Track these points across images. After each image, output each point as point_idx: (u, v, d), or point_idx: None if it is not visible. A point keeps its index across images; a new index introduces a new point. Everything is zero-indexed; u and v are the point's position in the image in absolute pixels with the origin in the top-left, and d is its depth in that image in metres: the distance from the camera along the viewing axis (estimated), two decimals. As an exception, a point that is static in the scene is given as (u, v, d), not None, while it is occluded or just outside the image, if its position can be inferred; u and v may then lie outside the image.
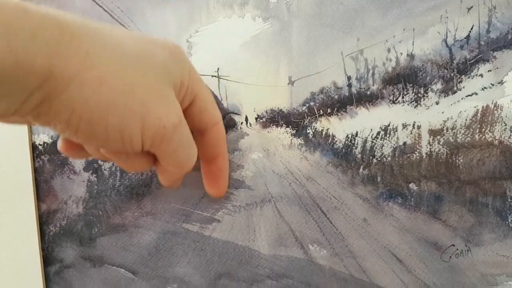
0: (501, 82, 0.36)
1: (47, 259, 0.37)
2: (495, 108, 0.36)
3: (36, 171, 0.36)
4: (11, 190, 0.36)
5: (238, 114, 0.36)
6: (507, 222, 0.36)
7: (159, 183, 0.37)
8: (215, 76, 0.36)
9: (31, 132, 0.36)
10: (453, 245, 0.37)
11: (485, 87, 0.36)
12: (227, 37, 0.35)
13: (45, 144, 0.36)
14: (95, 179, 0.37)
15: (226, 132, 0.37)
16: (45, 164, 0.36)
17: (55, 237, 0.37)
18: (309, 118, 0.36)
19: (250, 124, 0.36)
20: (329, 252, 0.37)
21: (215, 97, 0.36)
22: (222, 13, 0.35)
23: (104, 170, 0.37)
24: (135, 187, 0.37)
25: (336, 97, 0.36)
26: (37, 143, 0.36)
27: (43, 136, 0.36)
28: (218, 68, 0.36)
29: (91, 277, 0.37)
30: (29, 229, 0.36)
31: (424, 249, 0.37)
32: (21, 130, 0.36)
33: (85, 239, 0.37)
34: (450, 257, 0.37)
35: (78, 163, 0.36)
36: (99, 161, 0.37)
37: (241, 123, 0.36)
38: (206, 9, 0.35)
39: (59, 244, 0.37)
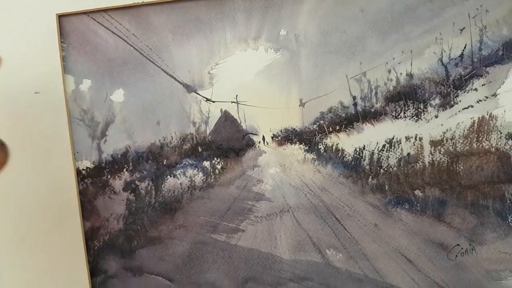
0: (494, 95, 0.39)
1: (93, 271, 0.42)
2: (490, 118, 0.39)
3: (81, 193, 0.41)
4: (59, 211, 0.41)
5: (256, 134, 0.40)
6: (507, 222, 0.40)
7: (189, 198, 0.41)
8: (234, 102, 0.40)
9: (75, 159, 0.41)
10: (458, 244, 0.40)
11: (480, 100, 0.39)
12: (243, 67, 0.39)
13: (88, 169, 0.41)
14: (133, 197, 0.41)
15: (246, 151, 0.41)
16: (88, 187, 0.41)
17: (99, 251, 0.41)
18: (320, 135, 0.40)
19: (267, 142, 0.40)
20: (344, 256, 0.40)
21: (235, 120, 0.40)
22: (238, 47, 0.40)
23: (141, 189, 0.41)
24: (168, 203, 0.41)
25: (343, 115, 0.39)
26: (80, 168, 0.41)
27: (86, 162, 0.41)
28: (237, 95, 0.40)
29: (132, 285, 0.42)
30: (76, 244, 0.41)
31: (431, 249, 0.40)
32: (66, 157, 0.41)
33: (125, 252, 0.41)
34: (456, 256, 0.40)
35: (118, 184, 0.41)
36: (137, 182, 0.41)
37: (259, 142, 0.41)
38: (224, 44, 0.40)
39: (103, 257, 0.42)
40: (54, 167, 0.41)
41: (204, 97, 0.40)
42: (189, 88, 0.40)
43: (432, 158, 0.40)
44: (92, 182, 0.41)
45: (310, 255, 0.41)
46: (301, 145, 0.40)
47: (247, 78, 0.40)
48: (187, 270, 0.41)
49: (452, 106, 0.40)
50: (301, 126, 0.40)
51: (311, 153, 0.40)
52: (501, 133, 0.39)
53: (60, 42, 0.40)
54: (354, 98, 0.39)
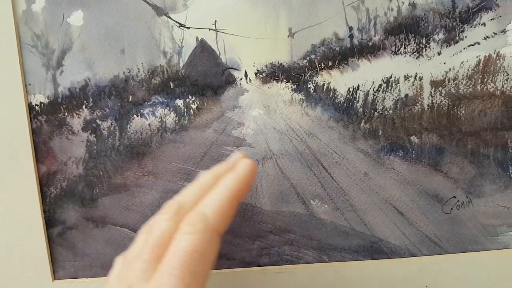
0: (504, 31, 0.35)
1: (49, 221, 0.37)
2: (497, 57, 0.35)
3: (34, 132, 0.35)
4: (9, 152, 0.35)
5: (237, 70, 0.35)
6: (508, 173, 0.36)
7: (159, 142, 0.36)
8: (212, 30, 0.35)
9: (26, 92, 0.35)
10: (454, 196, 0.37)
11: (487, 36, 0.35)
12: (224, -12, 0.34)
13: (42, 104, 0.35)
14: (94, 139, 0.36)
15: (225, 88, 0.36)
16: (43, 125, 0.35)
17: (56, 199, 0.36)
18: (310, 72, 0.35)
19: (250, 79, 0.35)
20: (330, 207, 0.37)
21: (213, 52, 0.35)
22: (218, -38, 0.34)
23: (103, 130, 0.36)
24: (135, 147, 0.36)
25: (337, 49, 0.35)
26: (33, 103, 0.35)
27: (39, 96, 0.35)
28: (216, 21, 0.35)
29: (94, 237, 0.37)
30: (30, 191, 0.36)
31: (425, 201, 0.37)
32: (16, 90, 0.35)
33: (86, 200, 0.37)
34: (451, 209, 0.37)
35: (76, 123, 0.36)
36: (98, 121, 0.36)
37: (241, 78, 0.36)
38: (201, -42, 0.34)
39: (61, 206, 0.37)
40: (2, 101, 0.35)
41: (176, 22, 0.35)
42: (159, 10, 0.35)
43: (431, 100, 0.36)
44: (47, 120, 0.36)
45: (293, 206, 0.37)
46: (288, 84, 0.36)
47: (228, 1, 0.34)
48: (156, 220, 0.36)
49: (457, 42, 0.35)
50: (289, 61, 0.35)
51: (299, 93, 0.36)
52: (508, 74, 0.35)
53: (4, -51, 0.33)
54: (351, 29, 0.35)
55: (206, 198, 0.27)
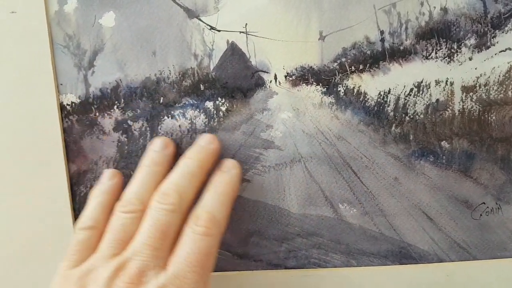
0: (536, 37, 0.35)
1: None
2: (529, 63, 0.35)
3: (65, 132, 0.36)
4: (40, 151, 0.36)
5: (267, 72, 0.35)
6: (538, 180, 0.36)
7: (188, 143, 0.36)
8: (243, 32, 0.35)
9: (58, 92, 0.35)
10: (484, 203, 0.36)
11: (520, 42, 0.35)
12: (256, -9, 0.34)
13: (73, 104, 0.35)
14: (125, 139, 0.36)
15: (255, 91, 0.36)
16: (74, 124, 0.36)
17: (86, 198, 0.37)
18: (340, 75, 0.35)
19: (279, 82, 0.35)
20: (359, 211, 0.37)
21: (243, 54, 0.35)
22: (251, -35, 0.34)
23: (134, 130, 0.36)
24: (165, 148, 0.36)
25: (368, 52, 0.35)
26: (64, 103, 0.35)
27: (71, 96, 0.35)
28: (246, 24, 0.35)
29: (122, 237, 0.37)
30: (61, 189, 0.36)
31: (454, 207, 0.36)
32: (48, 90, 0.35)
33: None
34: (481, 215, 0.37)
35: (108, 123, 0.36)
36: (129, 121, 0.36)
37: (270, 81, 0.36)
38: (235, -39, 0.34)
39: (89, 206, 0.37)
40: (34, 101, 0.35)
41: (208, 25, 0.35)
42: (190, 13, 0.35)
43: (462, 105, 0.35)
44: (78, 119, 0.36)
45: (321, 209, 0.37)
46: (318, 87, 0.36)
47: (259, 3, 0.34)
48: (185, 221, 0.36)
49: (488, 47, 0.35)
50: (320, 63, 0.35)
51: (329, 96, 0.36)
52: (540, 80, 0.35)
53: (40, -48, 0.34)
54: (382, 32, 0.34)
55: (209, 198, 0.29)
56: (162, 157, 0.32)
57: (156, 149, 0.33)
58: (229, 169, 0.32)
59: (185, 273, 0.25)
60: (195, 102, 0.36)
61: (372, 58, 0.35)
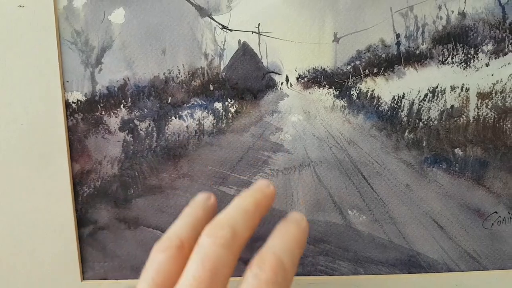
0: (555, 44, 0.33)
1: (80, 221, 0.36)
2: (547, 71, 0.34)
3: (70, 130, 0.35)
4: (44, 149, 0.35)
5: (279, 74, 0.34)
6: (553, 190, 0.35)
7: (196, 144, 0.35)
8: (255, 33, 0.34)
9: (64, 89, 0.34)
10: (496, 212, 0.35)
11: (538, 49, 0.34)
12: (270, -10, 0.33)
13: (79, 102, 0.34)
14: (131, 139, 0.35)
15: (265, 93, 0.35)
16: (79, 123, 0.35)
17: (89, 198, 0.36)
18: (354, 78, 0.34)
19: (290, 84, 0.34)
20: (368, 218, 0.36)
21: (255, 55, 0.34)
22: (266, -36, 0.33)
23: (141, 130, 0.35)
24: (172, 148, 0.35)
25: (383, 55, 0.34)
26: (70, 100, 0.34)
27: (77, 94, 0.34)
28: (259, 24, 0.33)
29: (126, 239, 0.36)
30: (63, 189, 0.35)
31: (466, 215, 0.35)
32: (54, 86, 0.34)
33: (120, 201, 0.36)
34: (492, 224, 0.36)
35: (113, 123, 0.35)
36: (135, 121, 0.35)
37: (281, 83, 0.34)
38: (249, -41, 0.33)
39: (93, 206, 0.36)
40: (39, 98, 0.34)
41: (219, 24, 0.34)
42: (202, 11, 0.34)
43: (477, 112, 0.34)
44: (83, 118, 0.35)
45: (330, 215, 0.36)
46: (330, 89, 0.34)
47: (272, 3, 0.33)
48: (191, 224, 0.35)
49: (506, 54, 0.34)
50: (333, 66, 0.34)
51: (342, 99, 0.35)
52: (558, 88, 0.34)
53: None
54: (398, 36, 0.33)
55: (277, 241, 0.24)
56: (205, 205, 0.28)
57: (200, 200, 0.28)
58: (298, 221, 0.26)
59: None
60: (204, 103, 0.35)
61: (387, 62, 0.34)
